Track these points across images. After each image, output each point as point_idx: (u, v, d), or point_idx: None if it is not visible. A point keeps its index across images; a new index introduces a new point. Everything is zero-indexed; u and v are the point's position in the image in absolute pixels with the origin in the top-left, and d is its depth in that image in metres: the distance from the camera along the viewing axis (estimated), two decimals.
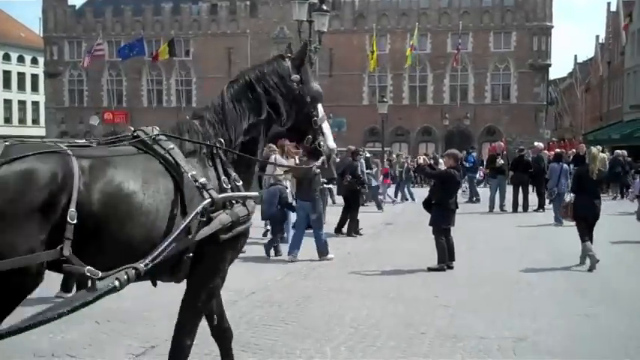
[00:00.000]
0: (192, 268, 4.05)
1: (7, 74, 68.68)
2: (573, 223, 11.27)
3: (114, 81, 57.54)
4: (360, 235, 15.01)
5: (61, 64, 59.04)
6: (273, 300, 8.13)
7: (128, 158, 3.76)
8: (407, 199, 25.40)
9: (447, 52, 54.09)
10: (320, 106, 4.70)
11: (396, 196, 25.81)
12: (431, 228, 10.80)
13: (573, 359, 5.88)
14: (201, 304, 4.28)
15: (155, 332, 6.55)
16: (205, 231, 3.82)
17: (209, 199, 3.83)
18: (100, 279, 3.42)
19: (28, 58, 69.73)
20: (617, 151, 31.43)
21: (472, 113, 52.88)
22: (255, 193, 4.47)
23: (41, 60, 64.09)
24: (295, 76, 4.48)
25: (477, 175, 27.25)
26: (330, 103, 58.34)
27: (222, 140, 4.17)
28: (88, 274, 3.39)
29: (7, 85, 68.96)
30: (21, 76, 70.04)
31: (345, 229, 15.02)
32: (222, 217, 3.90)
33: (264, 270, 10.30)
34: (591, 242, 10.72)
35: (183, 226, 3.68)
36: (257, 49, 56.18)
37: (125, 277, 3.44)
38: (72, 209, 3.30)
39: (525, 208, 20.52)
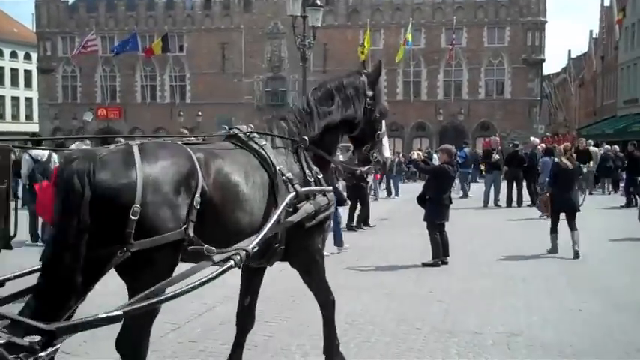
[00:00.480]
0: (293, 254, 4.80)
1: (0, 70, 68.50)
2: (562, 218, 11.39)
3: (107, 77, 57.40)
4: (371, 227, 15.43)
5: (54, 60, 58.84)
6: (267, 296, 8.13)
7: (230, 153, 4.35)
8: (391, 194, 25.70)
9: (441, 47, 54.11)
10: (384, 122, 5.35)
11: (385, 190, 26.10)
12: (425, 223, 10.84)
13: (566, 353, 5.91)
14: (319, 277, 5.09)
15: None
16: (292, 219, 4.42)
17: (293, 193, 4.44)
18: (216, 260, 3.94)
19: (21, 53, 69.54)
20: (607, 146, 31.57)
21: (466, 108, 52.95)
22: (330, 188, 4.97)
23: (34, 56, 63.89)
24: (370, 92, 5.15)
25: (470, 170, 27.26)
26: None
27: (307, 138, 4.76)
28: (207, 252, 3.88)
29: (0, 81, 68.78)
30: (14, 72, 69.88)
31: (354, 223, 15.24)
32: (307, 207, 4.53)
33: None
34: (577, 232, 11.24)
35: (277, 214, 4.25)
36: (251, 45, 56.14)
37: (238, 257, 3.94)
38: (197, 196, 3.82)
39: (519, 203, 20.58)
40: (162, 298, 3.63)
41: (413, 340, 6.29)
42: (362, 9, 55.22)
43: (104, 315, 3.49)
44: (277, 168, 4.42)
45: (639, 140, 28.58)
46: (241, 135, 4.56)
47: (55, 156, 14.07)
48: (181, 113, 51.68)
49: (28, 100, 69.88)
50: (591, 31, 67.64)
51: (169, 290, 3.68)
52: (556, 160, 12.44)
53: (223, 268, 3.90)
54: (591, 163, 20.66)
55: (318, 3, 22.01)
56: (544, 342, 6.21)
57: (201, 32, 56.78)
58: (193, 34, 57.10)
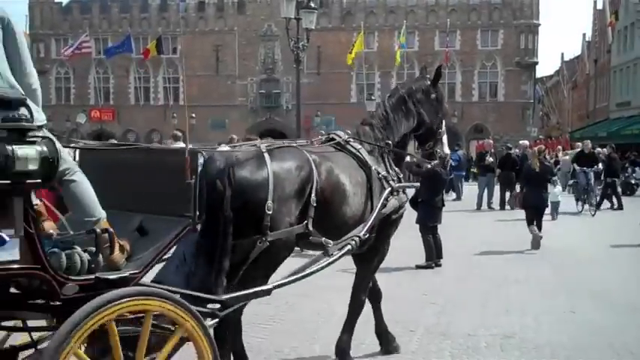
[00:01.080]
0: (373, 243, 5.29)
1: None
2: (557, 220, 11.45)
3: (101, 78, 57.28)
4: None
5: (47, 62, 58.65)
6: (262, 298, 8.12)
7: (335, 155, 5.04)
8: None
9: (434, 50, 54.18)
10: (444, 121, 6.01)
11: None
12: (418, 226, 10.84)
13: (559, 355, 5.93)
14: (373, 269, 5.66)
15: None
16: (385, 211, 5.15)
17: (389, 188, 5.21)
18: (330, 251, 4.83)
19: None
20: (598, 149, 31.85)
21: (459, 111, 53.01)
22: (417, 184, 6.30)
23: None
24: (434, 95, 5.81)
25: (464, 173, 27.35)
26: (318, 101, 58.60)
27: (390, 142, 5.50)
28: (325, 243, 4.75)
29: None
30: None
31: None
32: (393, 202, 5.27)
33: None
34: (540, 228, 12.57)
35: (379, 207, 5.06)
36: (245, 47, 56.11)
37: (354, 242, 4.84)
38: (313, 194, 4.53)
39: (512, 206, 20.60)
40: (303, 274, 4.76)
41: (407, 342, 6.29)
42: (356, 11, 55.28)
43: (259, 289, 4.43)
44: (373, 168, 5.16)
45: (618, 144, 28.73)
46: (340, 140, 5.22)
47: None
48: (175, 115, 51.62)
49: None
50: (584, 34, 67.89)
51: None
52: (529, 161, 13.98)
53: (342, 252, 4.81)
54: (600, 165, 20.81)
55: (312, 5, 22.05)
56: (537, 344, 6.23)
57: (195, 34, 56.72)
58: (187, 36, 56.99)
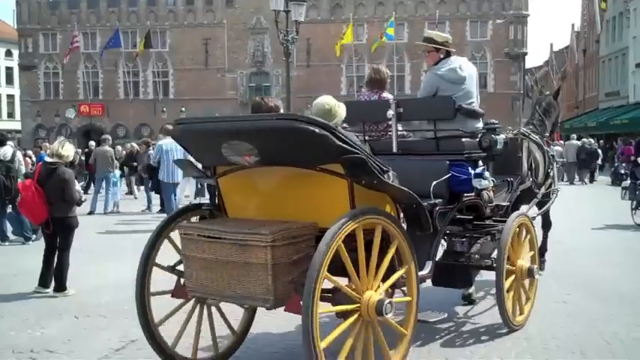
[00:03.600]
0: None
1: None
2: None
3: (90, 73, 57.02)
4: None
5: (36, 57, 58.37)
6: None
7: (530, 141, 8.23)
8: None
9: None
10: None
11: None
12: None
13: (550, 346, 5.95)
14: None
15: (135, 326, 6.51)
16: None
17: (558, 164, 8.64)
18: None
19: (2, 50, 68.98)
20: (584, 139, 32.33)
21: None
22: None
23: (16, 52, 63.33)
24: (555, 106, 9.46)
25: None
26: (308, 93, 58.50)
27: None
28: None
29: None
30: None
31: None
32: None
33: None
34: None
35: (554, 172, 8.93)
36: (234, 40, 55.98)
37: (558, 192, 9.03)
38: (530, 161, 8.19)
39: None
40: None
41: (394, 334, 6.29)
42: (345, 3, 55.22)
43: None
44: (545, 149, 8.59)
45: (607, 133, 28.91)
46: (525, 133, 8.19)
47: (19, 154, 13.78)
48: (164, 109, 51.47)
49: (10, 97, 69.30)
50: (573, 25, 68.10)
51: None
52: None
53: (554, 199, 8.78)
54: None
55: None
56: (528, 334, 6.25)
57: (184, 28, 56.57)
58: (176, 30, 56.86)
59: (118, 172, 19.59)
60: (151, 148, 19.51)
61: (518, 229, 6.41)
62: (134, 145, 25.28)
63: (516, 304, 6.38)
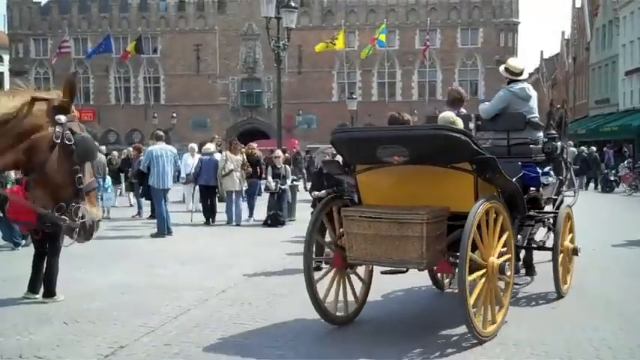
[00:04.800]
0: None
1: None
2: None
3: (81, 78, 56.74)
4: None
5: (26, 62, 58.22)
6: (243, 298, 8.13)
7: None
8: None
9: (415, 48, 54.39)
10: None
11: None
12: None
13: (538, 351, 5.97)
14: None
15: (124, 332, 6.52)
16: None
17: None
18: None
19: None
20: (582, 147, 32.58)
21: (440, 109, 53.02)
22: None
23: (6, 58, 63.07)
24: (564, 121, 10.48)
25: None
26: (299, 100, 58.39)
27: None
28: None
29: None
30: None
31: None
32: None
33: (235, 268, 10.30)
34: None
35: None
36: (225, 46, 56.00)
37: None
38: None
39: None
40: None
41: (389, 339, 6.31)
42: (336, 10, 55.36)
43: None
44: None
45: (597, 140, 29.08)
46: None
47: None
48: (155, 115, 51.40)
49: None
50: (563, 32, 68.43)
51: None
52: None
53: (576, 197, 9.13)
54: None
55: (293, 4, 22.05)
56: (517, 340, 6.27)
57: (176, 34, 56.57)
58: (167, 36, 56.84)
59: (109, 179, 19.51)
60: (141, 154, 19.46)
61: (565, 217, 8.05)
62: (131, 150, 25.20)
63: (566, 275, 8.26)
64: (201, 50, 56.16)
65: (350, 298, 6.95)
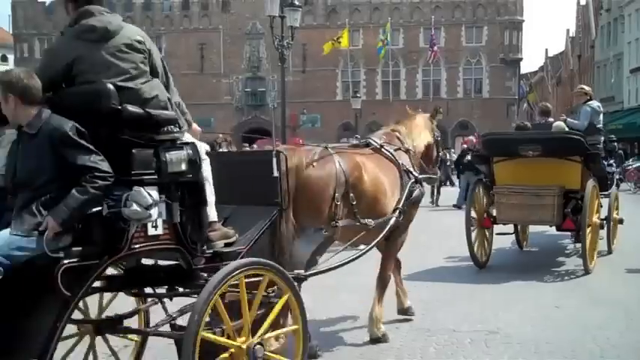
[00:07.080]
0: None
1: None
2: None
3: None
4: None
5: (31, 62, 58.01)
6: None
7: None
8: None
9: (419, 46, 54.33)
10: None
11: None
12: None
13: (543, 350, 5.95)
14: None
15: (115, 338, 6.49)
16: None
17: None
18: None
19: None
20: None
21: (445, 108, 52.99)
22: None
23: (11, 57, 63.17)
24: None
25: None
26: (303, 98, 58.25)
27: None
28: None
29: None
30: None
31: None
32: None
33: None
34: None
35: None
36: (229, 45, 56.02)
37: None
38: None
39: None
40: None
41: (392, 338, 6.30)
42: (340, 9, 55.33)
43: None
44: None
45: None
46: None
47: None
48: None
49: None
50: (568, 30, 68.27)
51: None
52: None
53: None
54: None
55: (297, 3, 22.07)
56: (521, 339, 6.26)
57: (180, 33, 56.60)
58: (172, 35, 56.87)
59: None
60: None
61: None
62: None
63: (592, 250, 9.72)
64: (205, 49, 56.19)
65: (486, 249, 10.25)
